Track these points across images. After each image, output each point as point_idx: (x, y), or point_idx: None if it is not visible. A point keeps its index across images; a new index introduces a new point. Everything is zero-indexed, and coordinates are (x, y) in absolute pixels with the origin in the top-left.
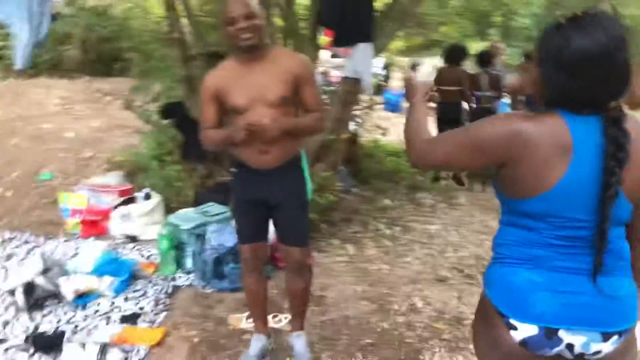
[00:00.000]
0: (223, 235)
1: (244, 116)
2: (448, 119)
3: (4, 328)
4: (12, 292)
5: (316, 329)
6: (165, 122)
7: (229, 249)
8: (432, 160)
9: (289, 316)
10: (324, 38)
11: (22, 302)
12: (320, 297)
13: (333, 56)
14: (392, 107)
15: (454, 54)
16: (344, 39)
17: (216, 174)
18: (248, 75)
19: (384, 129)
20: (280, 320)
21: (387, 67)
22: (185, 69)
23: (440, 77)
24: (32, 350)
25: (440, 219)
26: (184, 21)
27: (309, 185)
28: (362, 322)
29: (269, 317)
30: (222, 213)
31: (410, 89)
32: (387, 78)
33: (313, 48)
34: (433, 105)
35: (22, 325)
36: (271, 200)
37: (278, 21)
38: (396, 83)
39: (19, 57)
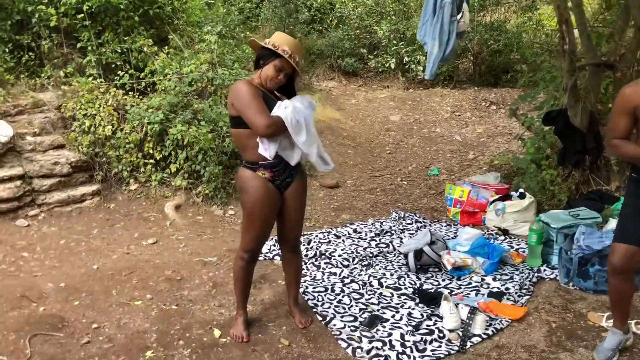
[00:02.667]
0: (591, 238)
1: None
2: None
3: (399, 280)
4: (405, 256)
5: None
6: (546, 128)
7: (596, 251)
8: None
9: None
10: None
11: (412, 264)
12: None
13: None
14: None
15: None
16: None
17: (592, 181)
18: None
19: None
20: None
21: None
22: (571, 79)
23: None
24: (417, 300)
25: None
26: (576, 32)
27: None
28: None
29: (631, 323)
30: (593, 218)
31: None
32: None
33: None
34: None
35: (411, 281)
36: None
37: None
38: None
39: (428, 70)
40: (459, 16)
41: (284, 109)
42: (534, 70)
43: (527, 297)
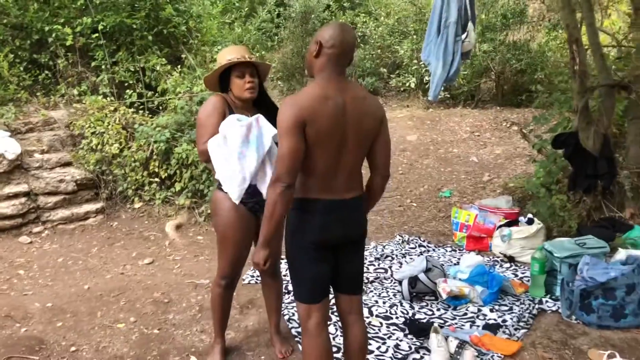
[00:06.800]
0: (596, 269)
1: None
2: None
3: (391, 308)
4: (399, 282)
5: None
6: (557, 152)
7: (599, 283)
8: None
9: None
10: None
11: (406, 291)
12: None
13: None
14: None
15: None
16: None
17: (605, 208)
18: None
19: None
20: None
21: None
22: (582, 100)
23: None
24: (406, 331)
25: None
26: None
27: None
28: None
29: None
30: (600, 247)
31: None
32: None
33: None
34: None
35: (404, 310)
36: None
37: None
38: None
39: (432, 90)
40: (463, 36)
41: (216, 136)
42: (550, 91)
43: (524, 330)
